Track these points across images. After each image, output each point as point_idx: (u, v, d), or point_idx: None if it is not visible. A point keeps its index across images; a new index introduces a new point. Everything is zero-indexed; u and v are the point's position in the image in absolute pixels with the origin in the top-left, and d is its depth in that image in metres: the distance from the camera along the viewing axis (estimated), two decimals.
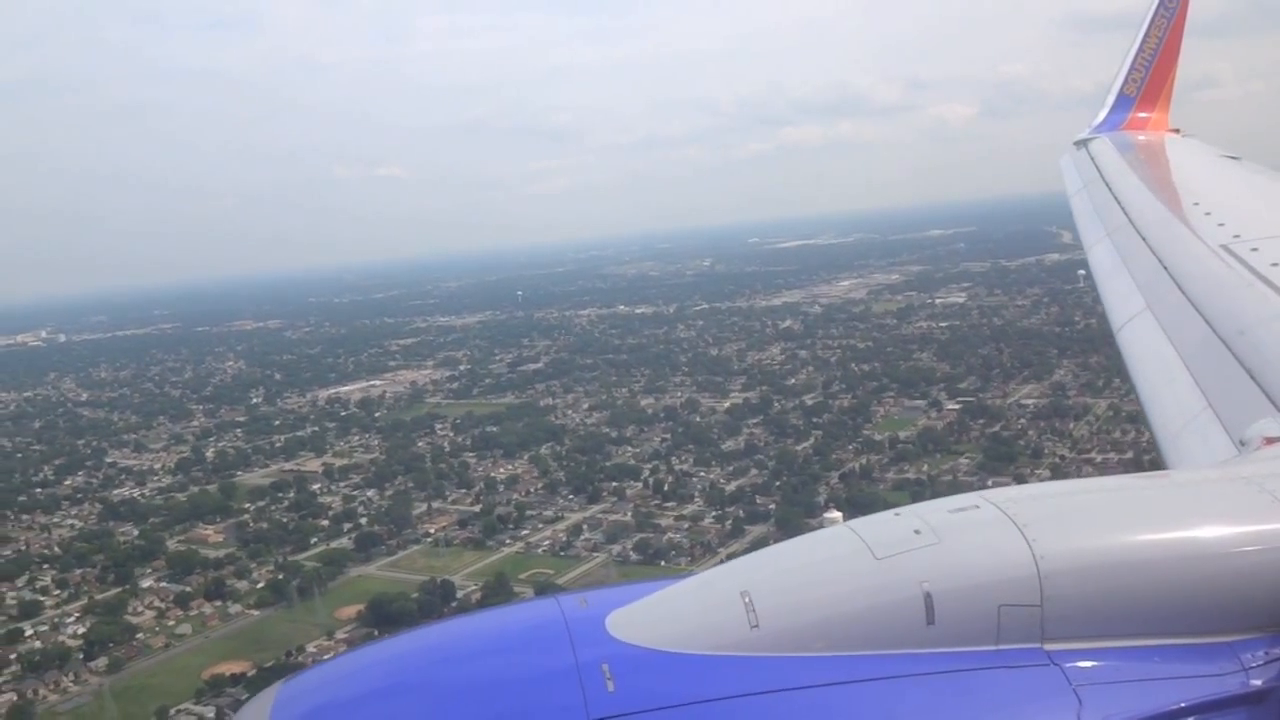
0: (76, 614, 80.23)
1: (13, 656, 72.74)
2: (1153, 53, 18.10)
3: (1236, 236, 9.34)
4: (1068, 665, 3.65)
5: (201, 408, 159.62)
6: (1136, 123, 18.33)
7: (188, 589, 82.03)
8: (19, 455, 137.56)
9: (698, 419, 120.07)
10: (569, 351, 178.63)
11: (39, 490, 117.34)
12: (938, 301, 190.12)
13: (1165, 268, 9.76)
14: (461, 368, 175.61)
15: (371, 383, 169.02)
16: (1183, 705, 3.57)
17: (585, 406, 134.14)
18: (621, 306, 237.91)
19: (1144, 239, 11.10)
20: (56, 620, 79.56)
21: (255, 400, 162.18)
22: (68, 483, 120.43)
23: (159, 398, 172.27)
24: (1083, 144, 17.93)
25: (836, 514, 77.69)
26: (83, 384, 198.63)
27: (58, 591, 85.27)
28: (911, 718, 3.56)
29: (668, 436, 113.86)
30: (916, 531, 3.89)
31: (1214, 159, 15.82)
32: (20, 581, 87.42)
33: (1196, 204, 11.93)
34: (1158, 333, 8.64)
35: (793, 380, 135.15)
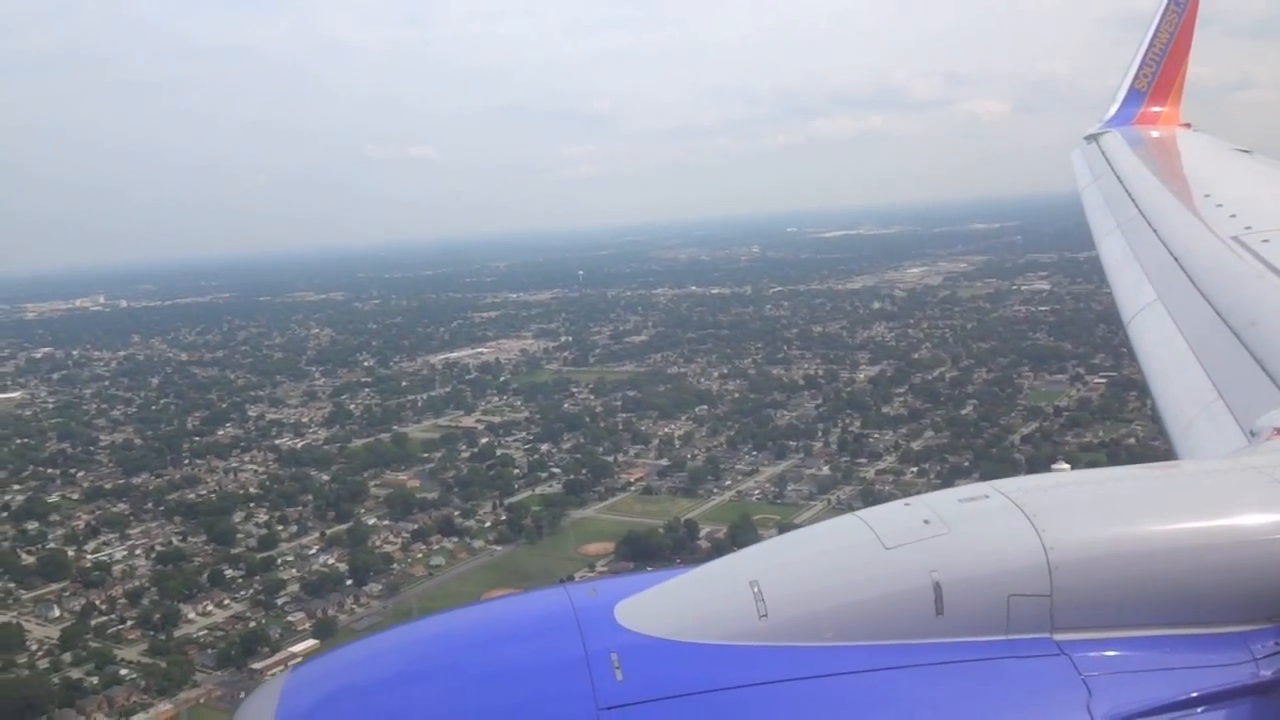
0: (315, 546, 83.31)
1: (283, 579, 75.94)
2: (1164, 47, 18.11)
3: (1248, 228, 9.32)
4: (1077, 655, 3.65)
5: (316, 369, 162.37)
6: (1148, 117, 18.30)
7: (418, 526, 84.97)
8: (153, 408, 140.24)
9: (841, 387, 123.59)
10: (666, 326, 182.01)
11: (196, 439, 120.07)
12: (1022, 288, 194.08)
13: (1176, 259, 9.73)
14: (563, 338, 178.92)
15: (478, 350, 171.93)
16: (1193, 695, 3.56)
17: (715, 375, 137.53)
18: (694, 287, 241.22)
19: (1155, 231, 11.04)
20: (298, 551, 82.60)
21: (368, 363, 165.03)
22: (221, 433, 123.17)
23: (265, 359, 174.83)
24: (1093, 138, 17.91)
25: (1064, 465, 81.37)
26: (173, 345, 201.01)
27: (280, 527, 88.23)
28: (921, 708, 3.58)
29: (820, 402, 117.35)
30: (926, 521, 3.91)
31: (1225, 152, 15.75)
32: (236, 518, 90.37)
33: (1208, 196, 11.81)
34: (1169, 323, 8.61)
35: (916, 355, 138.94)
